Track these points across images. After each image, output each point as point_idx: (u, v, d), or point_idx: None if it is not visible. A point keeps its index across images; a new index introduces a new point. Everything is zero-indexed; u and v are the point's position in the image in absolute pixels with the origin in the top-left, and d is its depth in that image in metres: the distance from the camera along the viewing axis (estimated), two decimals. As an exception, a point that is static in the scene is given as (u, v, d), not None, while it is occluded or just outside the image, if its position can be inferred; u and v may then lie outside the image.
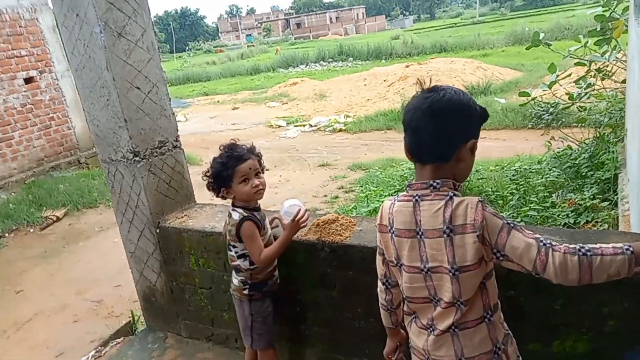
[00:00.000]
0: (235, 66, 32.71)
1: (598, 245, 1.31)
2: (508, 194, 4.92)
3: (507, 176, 5.58)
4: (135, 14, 2.71)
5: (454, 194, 1.41)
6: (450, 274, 1.41)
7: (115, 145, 2.84)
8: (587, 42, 4.86)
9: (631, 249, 1.27)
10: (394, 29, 66.80)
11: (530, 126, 9.09)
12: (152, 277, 3.16)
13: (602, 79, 4.92)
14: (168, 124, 2.98)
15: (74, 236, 6.27)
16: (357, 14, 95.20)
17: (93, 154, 8.85)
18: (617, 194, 4.10)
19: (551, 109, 7.09)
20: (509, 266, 1.40)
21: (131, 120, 2.75)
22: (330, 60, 30.91)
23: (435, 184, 1.43)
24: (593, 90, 5.09)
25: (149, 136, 2.86)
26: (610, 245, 1.30)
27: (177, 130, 3.08)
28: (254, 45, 58.18)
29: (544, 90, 5.19)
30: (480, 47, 26.35)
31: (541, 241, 1.33)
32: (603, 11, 4.47)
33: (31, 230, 6.53)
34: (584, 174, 4.70)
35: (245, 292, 2.37)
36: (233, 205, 2.31)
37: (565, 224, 3.98)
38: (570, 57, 5.06)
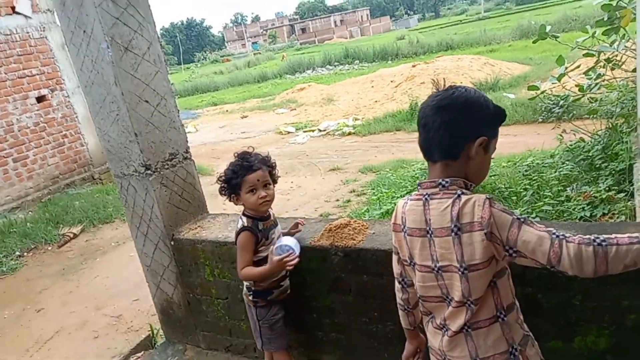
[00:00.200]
0: (242, 75, 32.90)
1: (613, 235, 1.28)
2: (522, 190, 4.87)
3: (519, 172, 5.52)
4: (140, 27, 2.74)
5: (462, 192, 1.40)
6: (460, 273, 1.40)
7: (126, 160, 2.86)
8: (595, 32, 4.80)
9: None
10: (399, 29, 66.82)
11: (540, 120, 8.99)
12: (169, 290, 3.17)
13: (612, 69, 4.86)
14: (178, 135, 3.00)
15: (91, 252, 6.34)
16: (362, 16, 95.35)
17: (106, 170, 8.94)
18: (632, 185, 4.04)
19: (561, 102, 6.99)
20: (523, 262, 1.38)
21: (141, 134, 2.77)
22: (336, 63, 30.93)
23: (444, 182, 1.42)
24: (603, 81, 5.02)
25: (159, 149, 2.88)
26: (626, 235, 1.28)
27: (187, 141, 3.10)
28: (260, 53, 58.50)
29: (553, 83, 5.12)
30: (487, 43, 26.21)
31: (554, 233, 1.31)
32: (610, 0, 4.42)
33: (49, 248, 6.61)
34: (598, 165, 4.63)
35: (250, 297, 2.41)
36: (243, 212, 2.33)
37: (581, 217, 3.92)
38: (579, 48, 5.00)
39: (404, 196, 1.88)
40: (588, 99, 5.37)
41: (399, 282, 1.72)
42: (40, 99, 8.42)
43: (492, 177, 5.49)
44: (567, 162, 5.07)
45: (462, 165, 1.43)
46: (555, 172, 4.94)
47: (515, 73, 15.01)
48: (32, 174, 8.22)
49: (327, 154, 10.33)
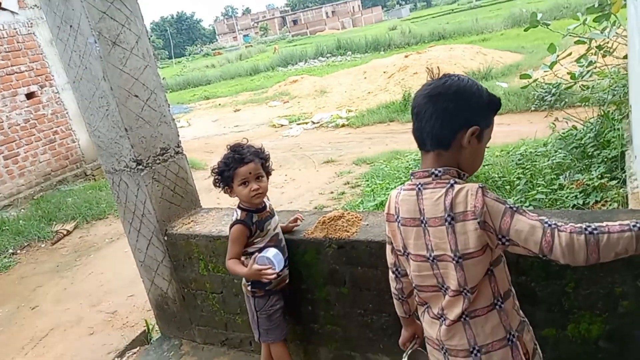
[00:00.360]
0: (234, 68, 32.70)
1: (605, 223, 1.28)
2: (515, 179, 4.88)
3: (513, 161, 5.53)
4: (128, 21, 2.70)
5: (455, 182, 1.40)
6: (454, 262, 1.40)
7: (117, 155, 2.84)
8: (586, 19, 4.79)
9: (638, 224, 1.25)
10: (391, 20, 66.60)
11: (533, 109, 8.99)
12: (164, 285, 3.16)
13: (604, 56, 4.86)
14: (169, 130, 2.98)
15: (84, 249, 6.31)
16: (353, 7, 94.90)
17: (98, 166, 8.88)
18: (624, 172, 4.05)
19: (553, 90, 7.00)
20: (516, 251, 1.38)
21: (132, 129, 2.75)
22: (328, 55, 30.79)
23: (437, 172, 1.42)
24: (595, 68, 5.03)
25: (150, 144, 2.86)
26: (617, 222, 1.28)
27: (178, 136, 3.08)
28: (251, 46, 58.18)
29: (545, 72, 5.12)
30: (479, 32, 26.17)
31: (546, 222, 1.31)
32: (600, -13, 4.41)
33: (42, 245, 6.57)
34: (590, 153, 4.65)
35: (249, 287, 2.40)
36: (239, 204, 2.34)
37: (574, 205, 3.94)
38: (570, 35, 4.99)
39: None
40: (580, 86, 5.38)
41: (393, 272, 1.72)
42: (29, 95, 8.34)
43: (486, 167, 5.50)
44: (559, 150, 5.08)
45: (454, 155, 1.43)
46: (548, 160, 4.96)
47: (507, 62, 15.00)
48: (24, 171, 8.16)
49: (320, 146, 10.31)
